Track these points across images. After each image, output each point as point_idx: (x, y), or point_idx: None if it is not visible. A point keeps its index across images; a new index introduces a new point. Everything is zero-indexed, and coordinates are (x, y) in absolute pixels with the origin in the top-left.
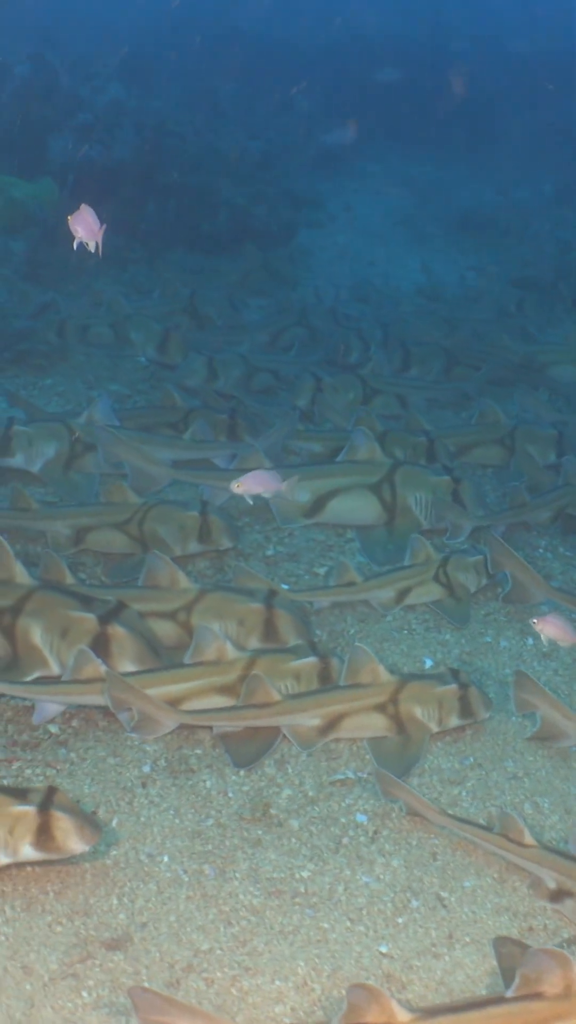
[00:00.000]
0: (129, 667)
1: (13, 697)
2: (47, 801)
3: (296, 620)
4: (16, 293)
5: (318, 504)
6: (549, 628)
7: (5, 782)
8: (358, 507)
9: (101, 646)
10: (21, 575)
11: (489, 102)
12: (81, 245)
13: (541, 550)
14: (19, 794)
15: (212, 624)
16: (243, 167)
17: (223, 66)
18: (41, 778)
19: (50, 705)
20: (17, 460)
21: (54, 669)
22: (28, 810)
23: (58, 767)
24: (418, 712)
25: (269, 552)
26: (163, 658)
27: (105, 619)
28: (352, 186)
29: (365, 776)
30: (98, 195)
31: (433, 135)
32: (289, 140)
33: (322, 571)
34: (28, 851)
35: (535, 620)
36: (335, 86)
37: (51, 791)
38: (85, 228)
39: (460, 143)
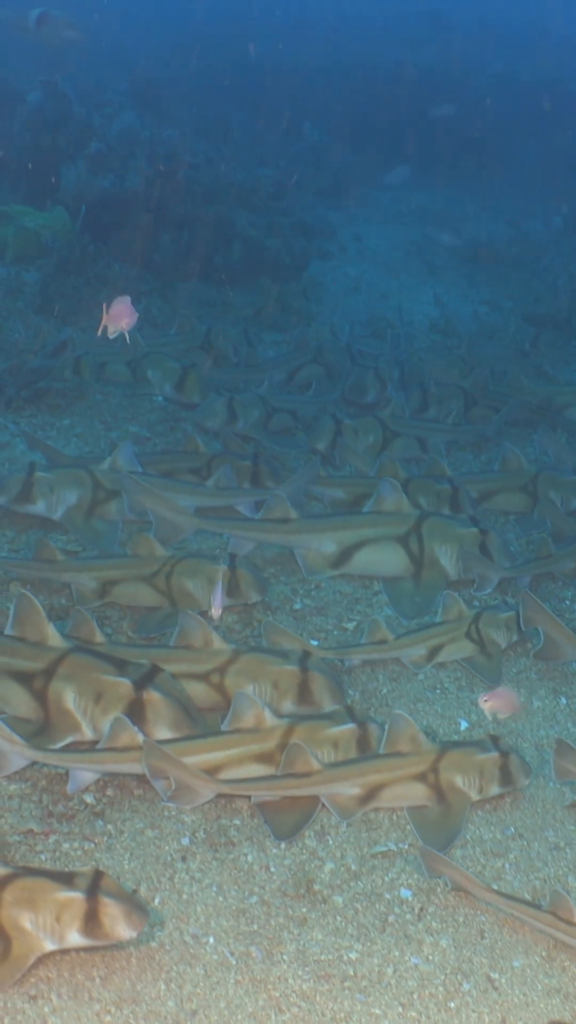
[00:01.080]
0: (165, 733)
1: (47, 765)
2: (94, 886)
3: (331, 682)
4: (30, 328)
5: (345, 555)
6: (497, 702)
7: (43, 857)
8: (385, 559)
9: (136, 712)
10: (53, 637)
11: (498, 131)
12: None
13: (568, 601)
14: (65, 878)
15: (246, 686)
16: (256, 198)
17: (233, 92)
18: (79, 852)
19: (85, 773)
20: (39, 507)
21: (87, 734)
22: (75, 896)
23: (96, 840)
24: (459, 781)
25: (297, 606)
26: (199, 723)
27: (140, 684)
28: (361, 215)
29: (406, 848)
30: (110, 226)
31: (441, 164)
32: (299, 169)
33: (351, 626)
34: (75, 938)
35: (483, 698)
36: (344, 114)
37: (97, 875)
38: (121, 321)
39: (469, 172)
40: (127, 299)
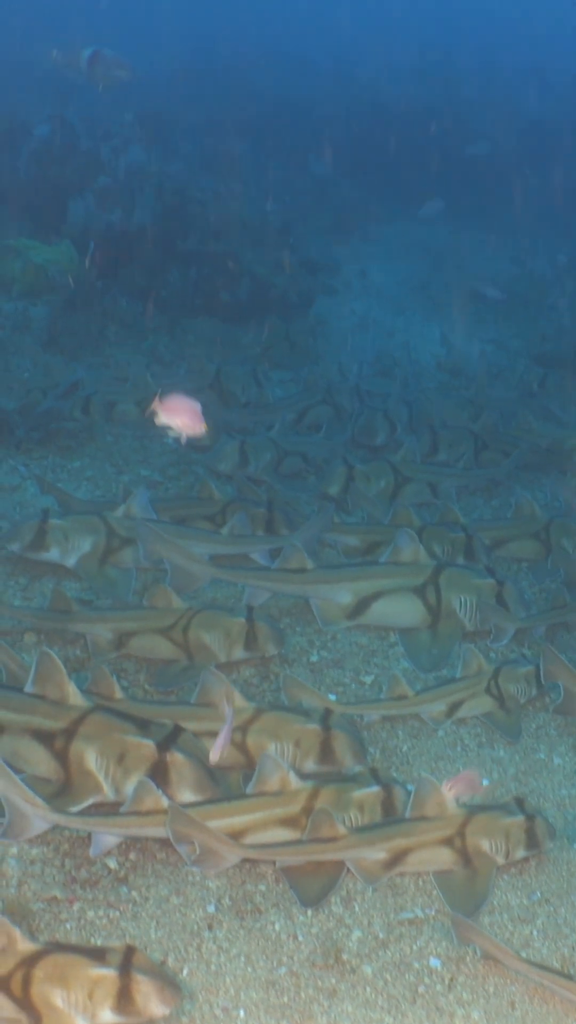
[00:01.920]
0: (188, 796)
1: (69, 828)
2: (126, 962)
3: (353, 741)
4: (39, 365)
5: (361, 606)
6: (462, 785)
7: (68, 925)
8: (402, 610)
9: (159, 774)
10: (75, 695)
11: (501, 166)
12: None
13: None
14: (96, 954)
15: (268, 745)
16: (263, 234)
17: (239, 125)
18: (104, 920)
19: (108, 837)
20: (52, 554)
21: (109, 796)
22: (107, 973)
23: (121, 908)
24: (485, 845)
25: (314, 658)
26: (221, 784)
27: (163, 745)
28: (366, 251)
29: (433, 914)
30: (118, 261)
31: (445, 199)
32: (304, 203)
33: (369, 679)
34: (108, 1016)
35: (447, 784)
36: (349, 149)
37: (129, 951)
38: (184, 417)
39: (472, 207)
40: (184, 395)
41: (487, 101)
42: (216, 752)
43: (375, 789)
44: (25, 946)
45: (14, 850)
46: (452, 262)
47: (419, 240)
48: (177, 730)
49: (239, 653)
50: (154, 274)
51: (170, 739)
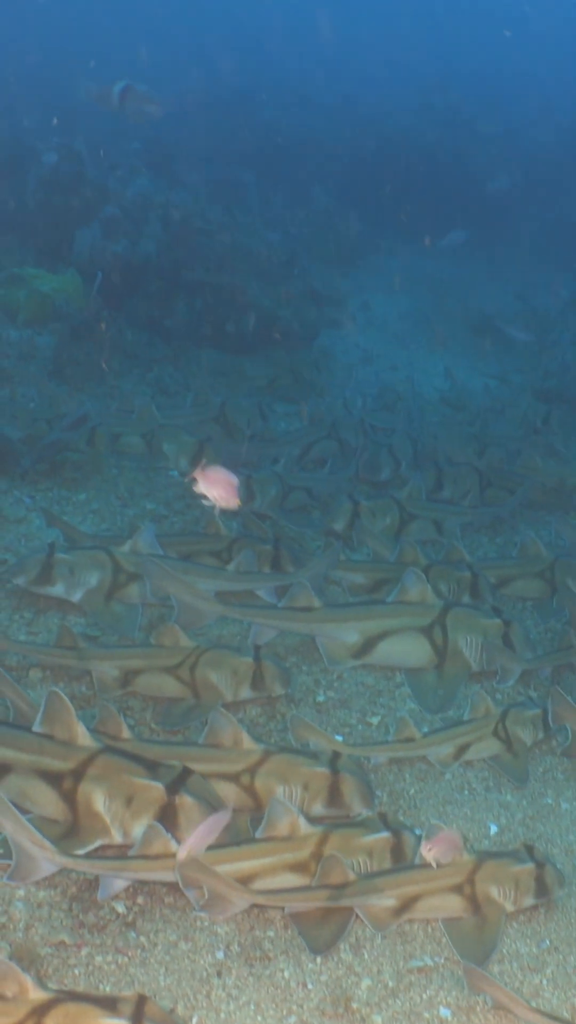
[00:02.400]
0: None
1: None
2: (138, 1012)
3: (362, 785)
4: (45, 396)
5: (368, 645)
6: (442, 846)
7: (76, 971)
8: (409, 650)
9: (168, 816)
10: (83, 736)
11: (505, 200)
12: None
13: None
14: (108, 1003)
15: (276, 788)
16: (268, 266)
17: (244, 157)
18: (113, 966)
19: (116, 881)
20: (58, 589)
21: (116, 838)
22: (119, 1023)
23: (129, 954)
24: (494, 893)
25: (320, 698)
26: (230, 828)
27: (172, 787)
28: (369, 283)
29: (443, 962)
30: (123, 291)
31: (447, 230)
32: (309, 234)
33: (375, 720)
34: None
35: (426, 845)
36: (351, 179)
37: (141, 1000)
38: (221, 490)
39: (476, 241)
40: (225, 470)
41: (492, 135)
42: (183, 853)
43: (384, 835)
44: (36, 994)
45: (21, 892)
46: (455, 296)
47: (423, 273)
48: (186, 772)
49: (246, 693)
50: (159, 304)
51: (179, 781)
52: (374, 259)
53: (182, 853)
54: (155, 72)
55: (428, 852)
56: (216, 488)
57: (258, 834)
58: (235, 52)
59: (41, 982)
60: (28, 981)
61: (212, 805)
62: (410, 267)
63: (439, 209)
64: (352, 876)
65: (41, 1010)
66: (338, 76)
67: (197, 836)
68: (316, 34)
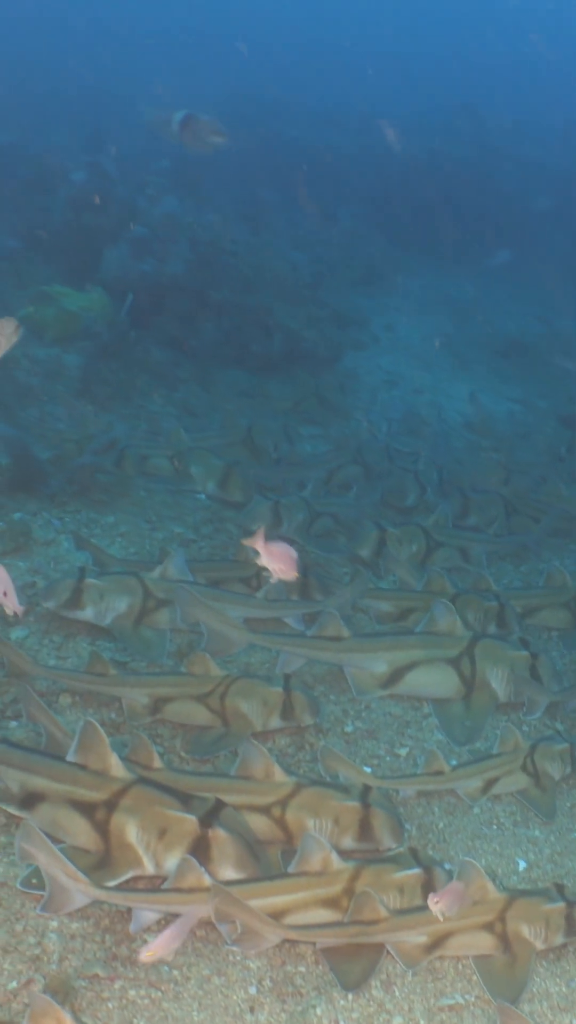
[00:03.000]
0: (230, 873)
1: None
2: None
3: (392, 819)
4: (73, 416)
5: (396, 675)
6: (449, 899)
7: (110, 1005)
8: (436, 681)
9: (201, 849)
10: (117, 767)
11: (526, 220)
12: None
13: None
14: None
15: (307, 821)
16: (294, 287)
17: (269, 176)
18: (146, 1000)
19: (149, 913)
20: (87, 613)
21: (148, 870)
22: None
23: (162, 988)
24: (525, 931)
25: (348, 728)
26: (262, 861)
27: (205, 820)
28: (393, 304)
29: (473, 1000)
30: (150, 310)
31: (469, 252)
32: (334, 255)
33: (403, 752)
34: None
35: (434, 897)
36: (376, 201)
37: None
38: (282, 564)
39: (497, 261)
40: (286, 544)
41: (517, 156)
42: (149, 953)
43: (416, 871)
44: None
45: (54, 924)
46: (479, 318)
47: (445, 294)
48: (219, 805)
49: (275, 722)
50: (186, 324)
51: (212, 814)
52: (397, 280)
53: (148, 953)
54: (179, 88)
55: (435, 904)
56: (278, 562)
57: (290, 869)
58: (258, 69)
59: (77, 1018)
60: (66, 1017)
61: (245, 839)
62: (433, 288)
63: (464, 228)
64: (384, 912)
65: None
66: (362, 94)
67: (168, 936)
68: (341, 52)
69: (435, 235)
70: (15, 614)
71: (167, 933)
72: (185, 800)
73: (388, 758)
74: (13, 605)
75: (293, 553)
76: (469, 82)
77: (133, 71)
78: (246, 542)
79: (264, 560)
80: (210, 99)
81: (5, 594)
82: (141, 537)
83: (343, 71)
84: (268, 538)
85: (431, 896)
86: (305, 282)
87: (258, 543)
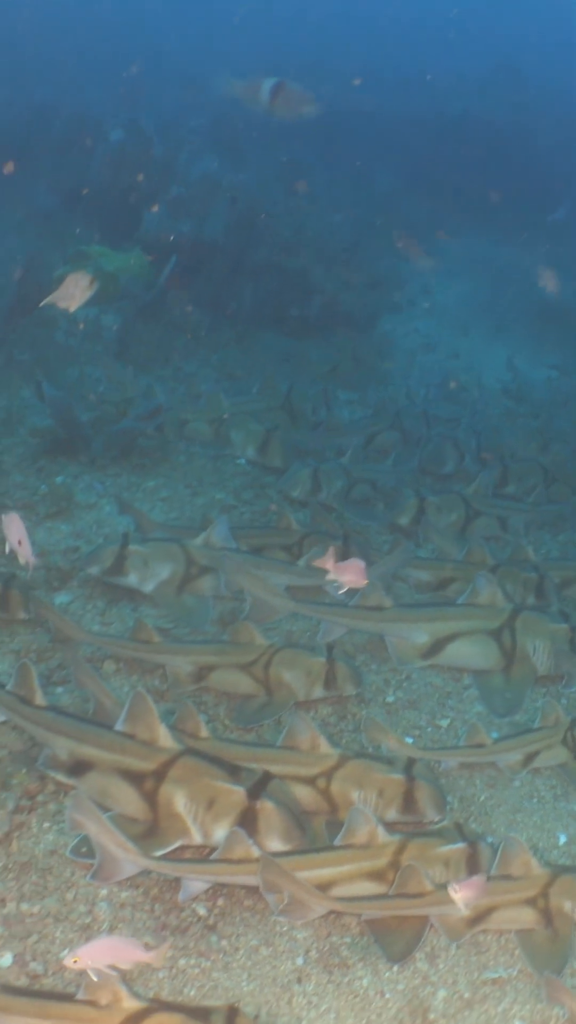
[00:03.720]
0: (276, 844)
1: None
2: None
3: (436, 792)
4: (113, 379)
5: (437, 646)
6: (470, 891)
7: (160, 975)
8: (477, 652)
9: (248, 821)
10: (165, 737)
11: (566, 183)
12: None
13: None
14: (201, 1015)
15: (352, 793)
16: (332, 250)
17: (307, 135)
18: (196, 970)
19: (198, 883)
20: (130, 580)
21: (196, 839)
22: None
23: (212, 958)
24: (567, 907)
25: (390, 699)
26: (308, 832)
27: (253, 792)
28: (430, 266)
29: (516, 974)
30: (188, 271)
31: (506, 214)
32: (372, 216)
33: (444, 723)
34: None
35: (455, 887)
36: (413, 161)
37: (232, 1013)
38: (352, 575)
39: (537, 224)
40: (358, 560)
41: (558, 117)
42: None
43: (461, 845)
44: (130, 1003)
45: (104, 892)
46: (516, 280)
47: (482, 256)
48: (266, 777)
49: (318, 692)
50: (224, 286)
51: (260, 786)
52: (435, 241)
53: (72, 959)
54: (218, 48)
55: (456, 894)
56: (348, 574)
57: (337, 841)
58: (297, 28)
59: (130, 987)
60: (122, 991)
61: (291, 811)
62: (471, 250)
63: (504, 189)
64: (429, 886)
65: (135, 1019)
66: (402, 53)
67: (95, 949)
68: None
69: (475, 196)
70: (27, 563)
71: (95, 946)
72: (233, 772)
73: (429, 729)
74: (27, 554)
75: (361, 563)
76: (508, 41)
77: (166, 32)
78: (318, 563)
79: (335, 576)
80: (245, 59)
81: (20, 543)
82: (182, 502)
83: (381, 29)
84: (342, 559)
85: (452, 886)
86: (343, 244)
87: (328, 563)
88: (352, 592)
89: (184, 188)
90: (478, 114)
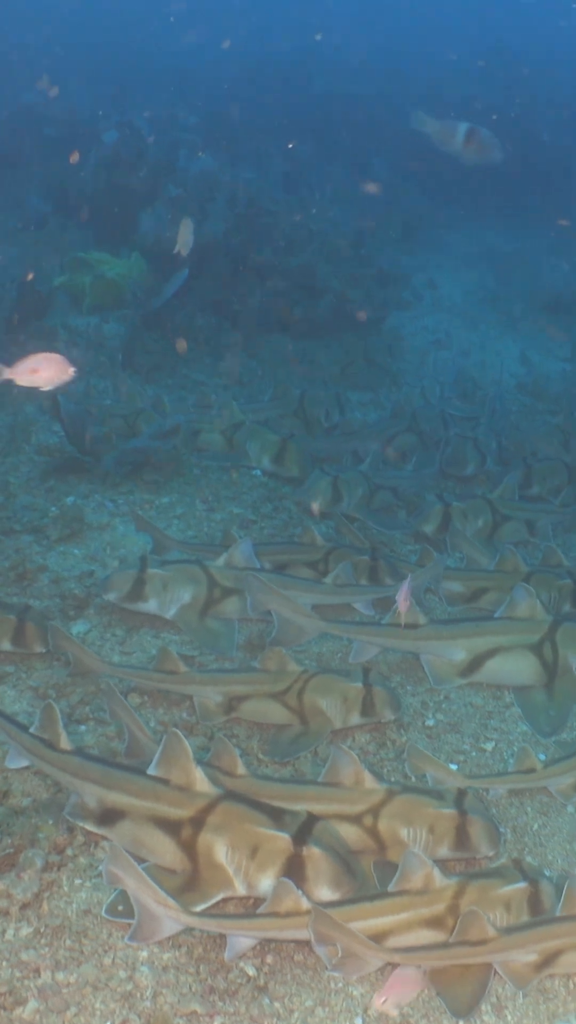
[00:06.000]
0: (327, 893)
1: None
2: None
3: (489, 826)
4: (122, 392)
5: (475, 663)
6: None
7: None
8: (518, 668)
9: (295, 869)
10: (202, 781)
11: (566, 171)
12: None
13: None
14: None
15: (401, 830)
16: (336, 246)
17: (300, 130)
18: None
19: (244, 940)
20: (150, 605)
21: (239, 891)
22: None
23: (265, 1023)
24: None
25: (429, 722)
26: (359, 878)
27: (299, 837)
28: (434, 260)
29: None
30: (190, 274)
31: (509, 204)
32: (372, 210)
33: (489, 746)
34: None
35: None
36: (410, 152)
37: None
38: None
39: (536, 213)
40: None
41: (553, 103)
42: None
43: (523, 885)
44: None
45: (144, 954)
46: (519, 272)
47: (484, 247)
48: (312, 820)
49: (355, 719)
50: (228, 288)
51: (305, 830)
52: (436, 233)
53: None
54: (205, 47)
55: (382, 1006)
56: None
57: (391, 887)
58: (287, 23)
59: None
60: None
61: (340, 855)
62: (472, 240)
63: (504, 179)
64: (492, 931)
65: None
66: (393, 44)
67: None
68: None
69: (474, 186)
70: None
71: None
72: (276, 815)
73: (474, 753)
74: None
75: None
76: (504, 26)
77: (151, 23)
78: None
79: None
80: (236, 53)
81: (36, 371)
82: (199, 519)
83: (373, 21)
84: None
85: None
86: (346, 240)
87: (402, 597)
88: (385, 609)
89: (182, 188)
90: (472, 101)
